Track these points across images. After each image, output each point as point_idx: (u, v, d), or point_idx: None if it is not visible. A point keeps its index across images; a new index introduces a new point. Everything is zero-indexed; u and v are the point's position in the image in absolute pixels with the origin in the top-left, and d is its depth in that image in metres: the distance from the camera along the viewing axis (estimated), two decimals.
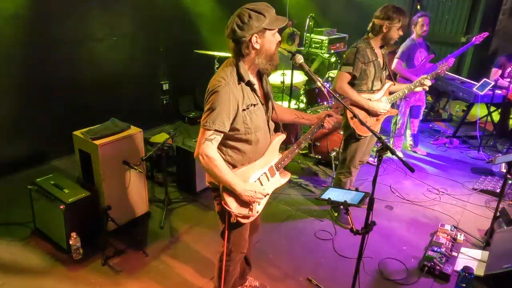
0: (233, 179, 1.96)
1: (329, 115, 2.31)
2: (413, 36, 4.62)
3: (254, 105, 2.01)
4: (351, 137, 3.35)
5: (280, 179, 2.26)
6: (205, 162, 1.92)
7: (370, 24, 3.18)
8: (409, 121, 5.03)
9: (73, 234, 2.96)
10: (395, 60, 4.62)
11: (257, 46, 1.91)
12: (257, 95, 2.04)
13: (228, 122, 1.91)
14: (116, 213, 3.20)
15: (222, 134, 1.94)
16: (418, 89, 3.48)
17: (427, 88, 3.52)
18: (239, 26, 1.86)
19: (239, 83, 1.94)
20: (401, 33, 3.14)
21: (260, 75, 2.11)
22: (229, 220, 2.09)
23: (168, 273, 2.95)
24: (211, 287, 2.81)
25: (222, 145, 2.03)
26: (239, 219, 2.08)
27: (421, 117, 5.02)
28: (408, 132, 5.14)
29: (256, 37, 1.88)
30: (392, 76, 3.47)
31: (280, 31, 2.02)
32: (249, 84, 1.98)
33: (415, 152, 5.15)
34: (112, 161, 3.16)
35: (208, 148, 1.90)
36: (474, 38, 4.67)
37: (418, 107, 4.90)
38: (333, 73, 5.34)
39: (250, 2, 1.92)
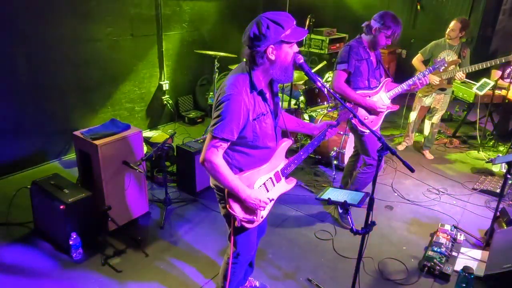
0: (238, 185, 1.95)
1: (331, 126, 2.30)
2: (445, 36, 4.51)
3: (264, 114, 1.99)
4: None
5: (286, 185, 2.26)
6: (210, 168, 1.92)
7: (366, 23, 3.17)
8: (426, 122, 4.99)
9: (73, 234, 2.96)
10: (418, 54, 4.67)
11: (272, 57, 1.85)
12: (268, 104, 2.01)
13: (236, 131, 1.89)
14: (116, 213, 3.21)
15: (229, 142, 1.92)
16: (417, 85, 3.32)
17: (424, 84, 3.29)
18: (255, 35, 1.80)
19: (251, 92, 1.91)
20: (389, 42, 3.11)
21: (271, 82, 2.08)
22: (234, 224, 2.08)
23: (168, 273, 2.95)
24: (212, 287, 2.81)
25: (229, 149, 2.02)
26: (243, 223, 2.07)
27: (437, 121, 4.85)
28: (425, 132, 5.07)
29: (272, 48, 1.83)
30: (389, 73, 3.46)
31: None
32: (261, 93, 1.96)
33: (423, 154, 5.07)
34: (112, 161, 3.16)
35: (213, 154, 1.89)
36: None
37: (435, 110, 4.79)
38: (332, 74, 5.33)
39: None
